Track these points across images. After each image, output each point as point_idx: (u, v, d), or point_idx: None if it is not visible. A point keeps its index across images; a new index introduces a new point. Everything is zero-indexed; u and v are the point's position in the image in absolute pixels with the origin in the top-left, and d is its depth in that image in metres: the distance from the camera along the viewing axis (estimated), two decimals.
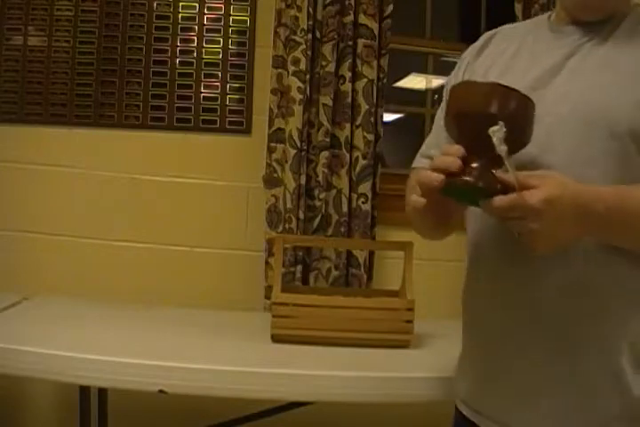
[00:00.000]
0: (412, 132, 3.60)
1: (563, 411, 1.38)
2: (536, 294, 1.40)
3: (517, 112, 1.27)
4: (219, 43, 3.13)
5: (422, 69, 3.61)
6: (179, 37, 3.11)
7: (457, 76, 1.67)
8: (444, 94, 1.66)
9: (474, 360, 1.57)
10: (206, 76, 3.11)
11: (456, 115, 1.30)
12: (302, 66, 2.99)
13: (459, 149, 1.27)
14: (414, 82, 3.72)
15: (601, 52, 1.43)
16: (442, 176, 1.25)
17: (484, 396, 1.51)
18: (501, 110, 1.25)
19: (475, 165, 1.25)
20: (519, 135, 1.28)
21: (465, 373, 1.62)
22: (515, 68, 1.53)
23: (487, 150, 1.22)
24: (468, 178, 1.25)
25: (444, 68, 3.59)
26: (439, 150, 1.38)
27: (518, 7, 3.16)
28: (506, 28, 1.71)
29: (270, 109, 3.02)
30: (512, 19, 3.17)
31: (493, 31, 1.72)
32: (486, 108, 1.24)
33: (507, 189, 1.22)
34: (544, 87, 1.44)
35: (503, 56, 1.58)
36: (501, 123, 1.21)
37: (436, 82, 3.61)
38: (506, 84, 1.32)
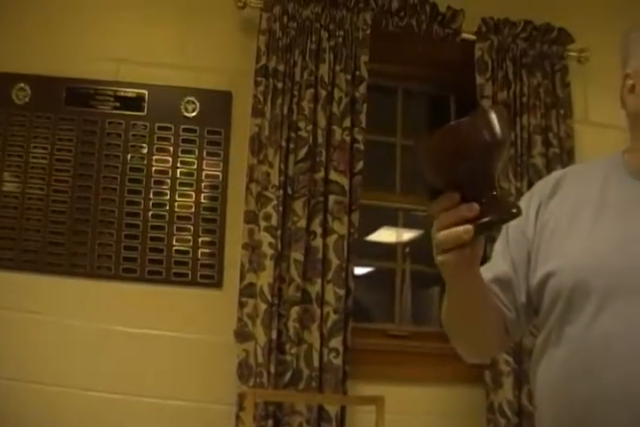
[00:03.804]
0: (383, 286, 3.79)
1: None
2: None
3: (479, 136, 1.34)
4: (191, 197, 3.38)
5: (393, 223, 3.85)
6: (152, 190, 3.35)
7: (528, 215, 1.72)
8: (505, 230, 1.78)
9: None
10: (178, 229, 3.34)
11: (438, 169, 1.37)
12: (273, 221, 3.23)
13: (456, 197, 1.35)
14: (385, 235, 3.92)
15: None
16: (469, 227, 1.33)
17: None
18: (473, 145, 1.32)
19: (484, 200, 1.36)
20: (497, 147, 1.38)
21: None
22: (606, 219, 1.61)
23: (476, 183, 1.36)
24: (491, 217, 1.36)
25: (415, 222, 3.82)
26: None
27: None
28: (576, 168, 1.85)
29: (242, 264, 3.24)
30: None
31: (562, 171, 1.82)
32: (464, 151, 1.32)
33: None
34: None
35: (587, 202, 1.66)
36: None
37: (407, 235, 3.85)
38: (602, 235, 1.55)
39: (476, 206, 1.33)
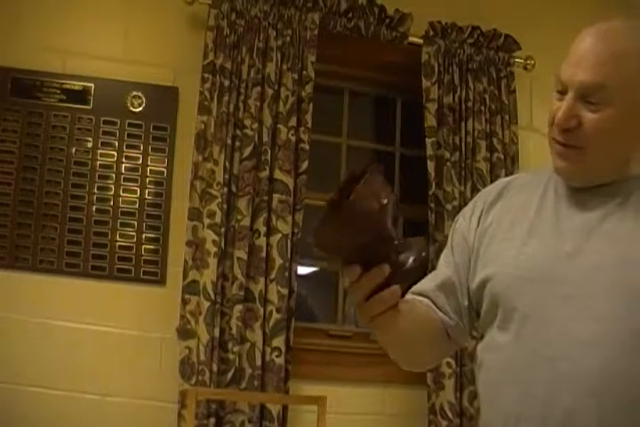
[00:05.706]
0: (327, 286, 3.92)
1: None
2: None
3: (365, 210, 1.30)
4: (135, 192, 3.43)
5: None
6: (96, 185, 3.40)
7: (471, 221, 1.80)
8: (450, 235, 1.84)
9: None
10: (122, 224, 3.39)
11: (337, 251, 1.36)
12: (217, 219, 3.31)
13: (357, 270, 1.33)
14: None
15: (630, 216, 1.60)
16: (394, 288, 1.34)
17: None
18: (361, 221, 1.30)
19: (392, 258, 1.35)
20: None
21: None
22: (541, 229, 1.66)
23: (379, 251, 1.34)
24: (409, 266, 1.35)
25: None
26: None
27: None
28: (521, 176, 1.90)
29: (185, 261, 3.31)
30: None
31: (508, 179, 1.89)
32: (354, 231, 1.30)
33: None
34: (580, 251, 1.59)
35: (526, 210, 1.71)
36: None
37: None
38: (536, 244, 1.62)
39: (385, 268, 1.32)
